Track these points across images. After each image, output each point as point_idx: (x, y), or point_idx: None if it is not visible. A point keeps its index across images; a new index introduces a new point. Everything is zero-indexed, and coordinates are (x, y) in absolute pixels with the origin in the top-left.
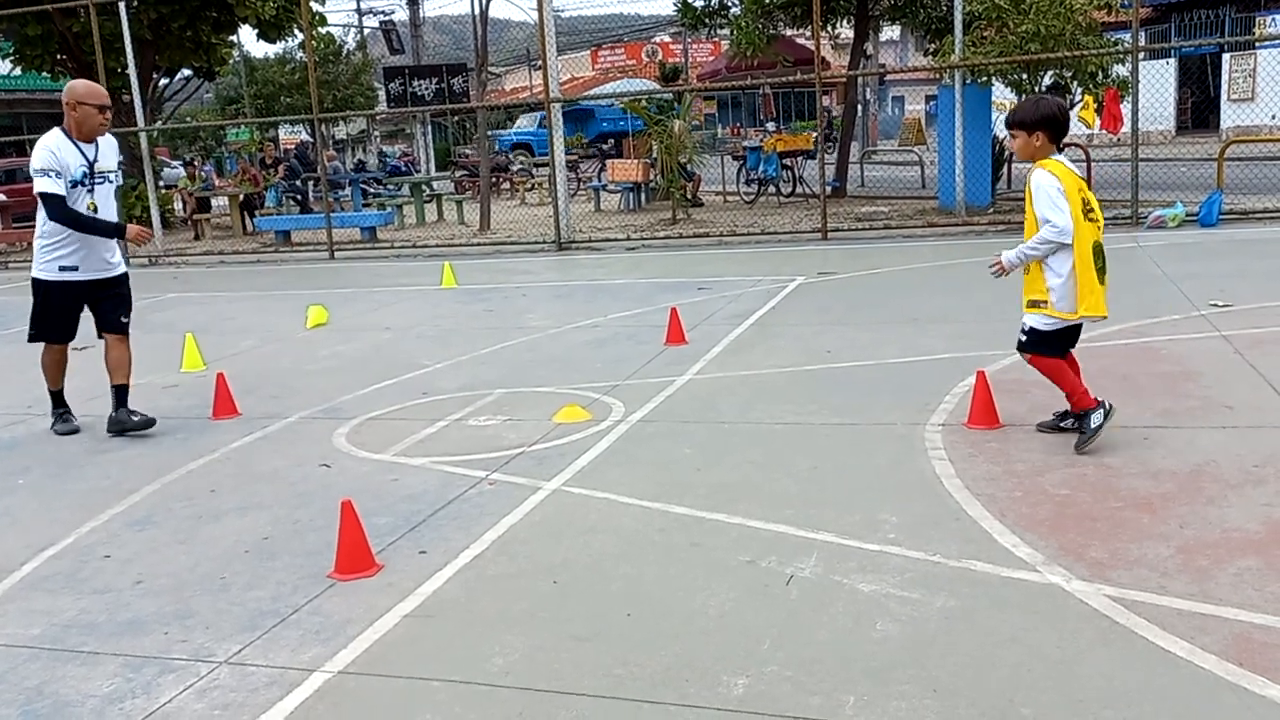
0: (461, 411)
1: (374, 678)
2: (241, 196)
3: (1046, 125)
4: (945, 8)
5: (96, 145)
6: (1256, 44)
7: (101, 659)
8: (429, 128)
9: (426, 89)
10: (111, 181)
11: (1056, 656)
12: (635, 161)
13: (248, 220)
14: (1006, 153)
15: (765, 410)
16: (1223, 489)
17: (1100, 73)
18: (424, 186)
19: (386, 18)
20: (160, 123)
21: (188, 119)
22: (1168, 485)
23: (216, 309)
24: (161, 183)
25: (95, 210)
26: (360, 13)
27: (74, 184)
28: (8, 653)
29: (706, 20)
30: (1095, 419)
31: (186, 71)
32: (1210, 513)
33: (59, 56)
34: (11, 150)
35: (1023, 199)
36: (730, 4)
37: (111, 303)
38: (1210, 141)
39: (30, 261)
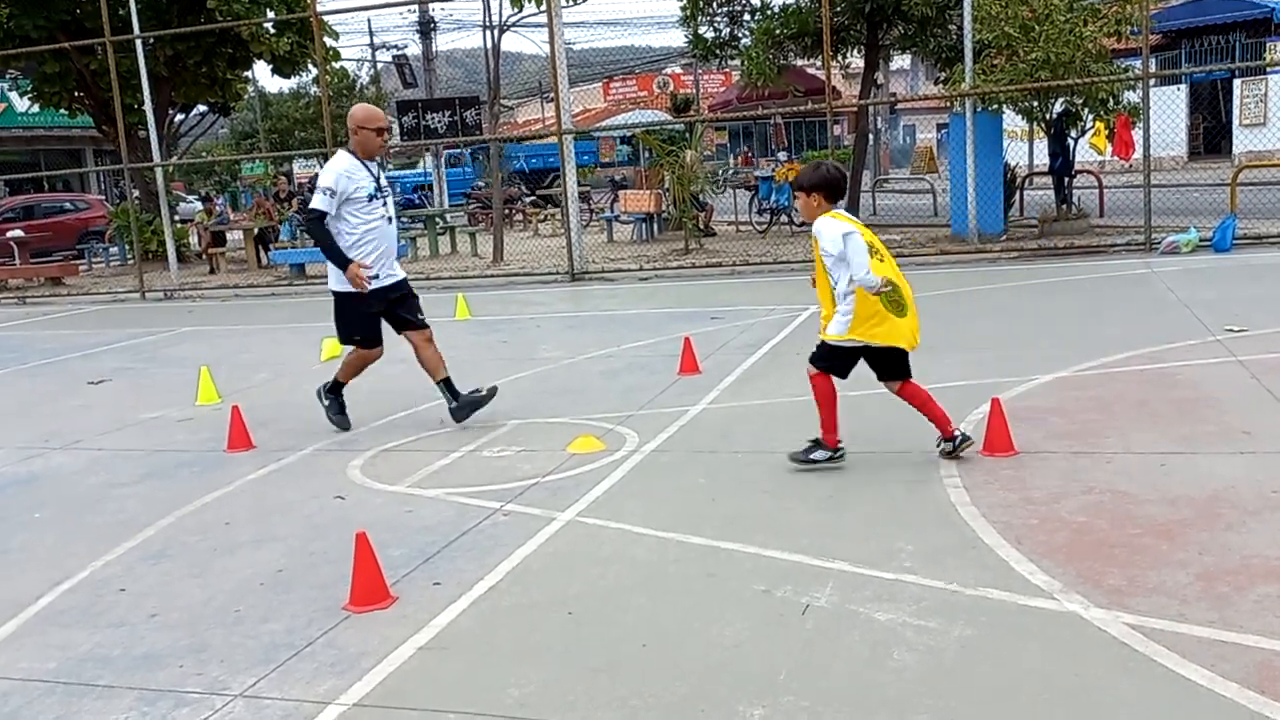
0: (476, 443)
1: (389, 710)
2: (256, 230)
3: (822, 187)
4: (955, 36)
5: (378, 162)
6: (1268, 69)
7: (117, 693)
8: (442, 160)
9: (440, 122)
10: (393, 194)
11: (1075, 685)
12: (648, 192)
13: (262, 254)
14: (1019, 180)
15: (780, 439)
16: (1242, 515)
17: (1111, 99)
18: (437, 219)
19: (399, 52)
20: (176, 158)
21: (203, 154)
22: (1186, 512)
23: (231, 342)
24: (177, 217)
25: (390, 221)
26: (374, 47)
27: (370, 197)
28: (24, 687)
29: (717, 51)
30: (820, 455)
31: (202, 107)
32: (1230, 539)
33: (76, 93)
34: (30, 187)
35: (1035, 226)
36: (741, 35)
37: (404, 305)
38: (1223, 167)
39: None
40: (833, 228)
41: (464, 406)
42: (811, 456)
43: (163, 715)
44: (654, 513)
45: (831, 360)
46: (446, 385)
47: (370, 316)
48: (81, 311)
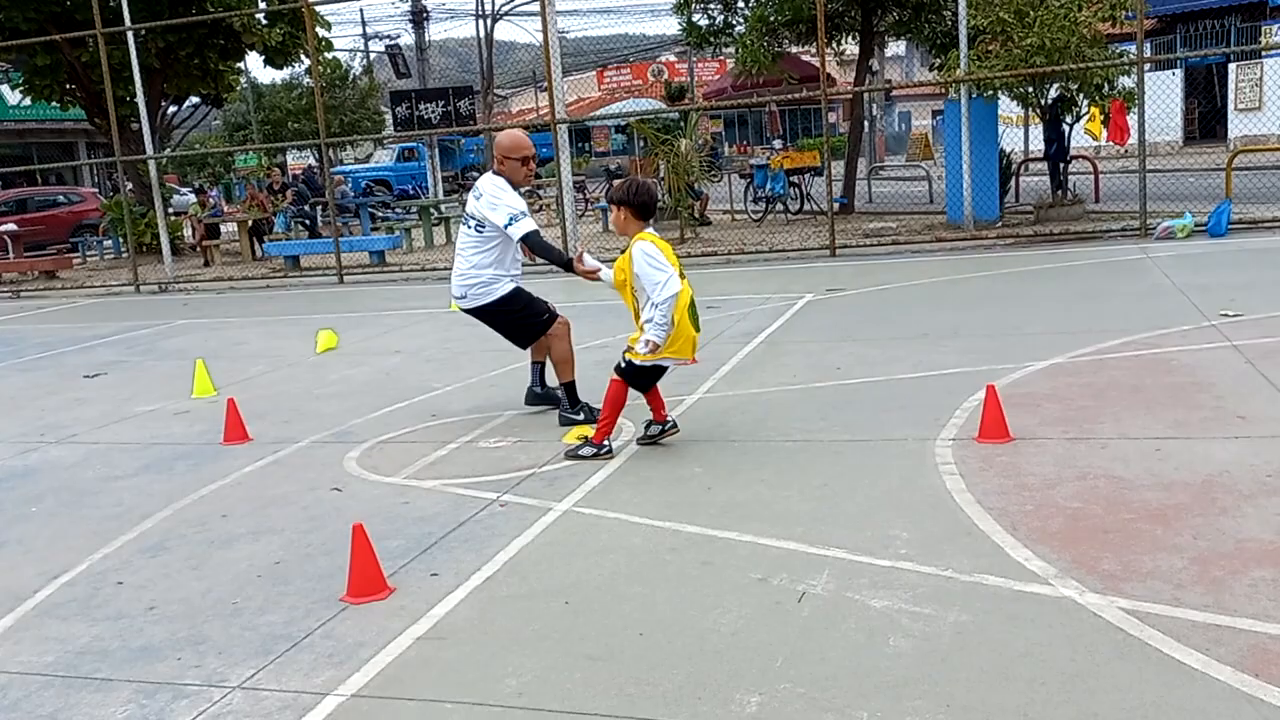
0: (472, 434)
1: (388, 700)
2: (250, 222)
3: (630, 204)
4: (950, 22)
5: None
6: (1263, 53)
7: (115, 685)
8: (436, 151)
9: (433, 112)
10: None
11: (1070, 670)
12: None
13: (257, 246)
14: (1014, 166)
15: (775, 428)
16: (1236, 500)
17: (1106, 84)
18: (432, 210)
19: (392, 42)
20: (169, 150)
21: (196, 146)
22: (1180, 497)
23: (226, 335)
24: (171, 210)
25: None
26: (366, 38)
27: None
28: (22, 680)
29: (712, 39)
30: (587, 451)
31: (194, 99)
32: (1224, 524)
33: (68, 86)
34: (22, 180)
35: (1031, 212)
36: (735, 22)
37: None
38: (1218, 151)
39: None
40: (651, 251)
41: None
42: (580, 452)
43: (161, 707)
44: (650, 502)
45: (636, 377)
46: (569, 389)
47: (531, 297)
48: (76, 305)
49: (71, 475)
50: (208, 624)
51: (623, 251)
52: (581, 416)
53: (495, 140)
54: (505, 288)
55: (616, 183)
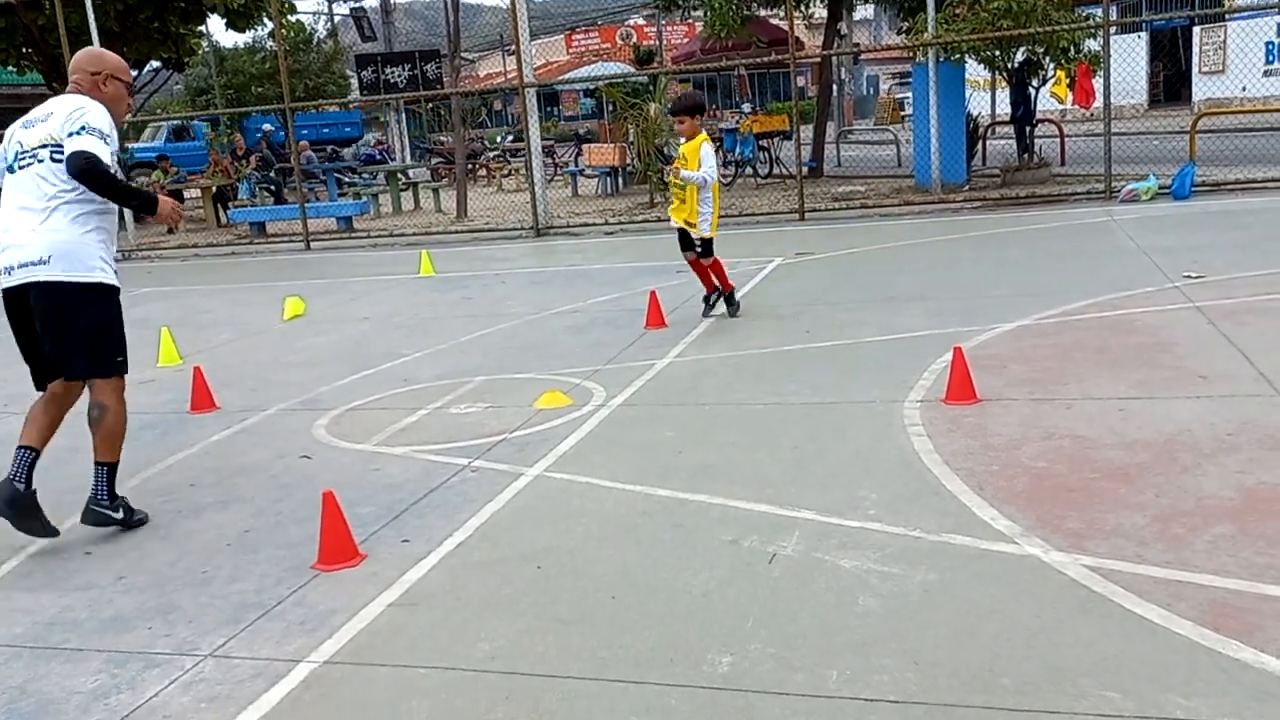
0: (442, 400)
1: (360, 667)
2: (214, 189)
3: (701, 111)
4: None
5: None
6: (1226, 16)
7: (85, 656)
8: (403, 115)
9: (399, 76)
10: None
11: (1035, 626)
12: (612, 146)
13: (221, 213)
14: (981, 130)
15: (745, 391)
16: (1197, 458)
17: (1072, 48)
18: (400, 175)
19: (357, 4)
20: (130, 115)
21: (158, 111)
22: (1143, 455)
23: (192, 303)
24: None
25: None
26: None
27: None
28: None
29: (680, 2)
30: (736, 299)
31: (155, 63)
32: (1185, 481)
33: (24, 50)
34: None
35: (997, 176)
36: None
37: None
38: (1182, 114)
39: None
40: (711, 150)
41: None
42: (736, 304)
43: (132, 677)
44: (621, 466)
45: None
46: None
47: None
48: None
49: None
50: (177, 593)
51: (686, 141)
52: (121, 515)
53: (84, 54)
54: (108, 273)
55: (680, 96)
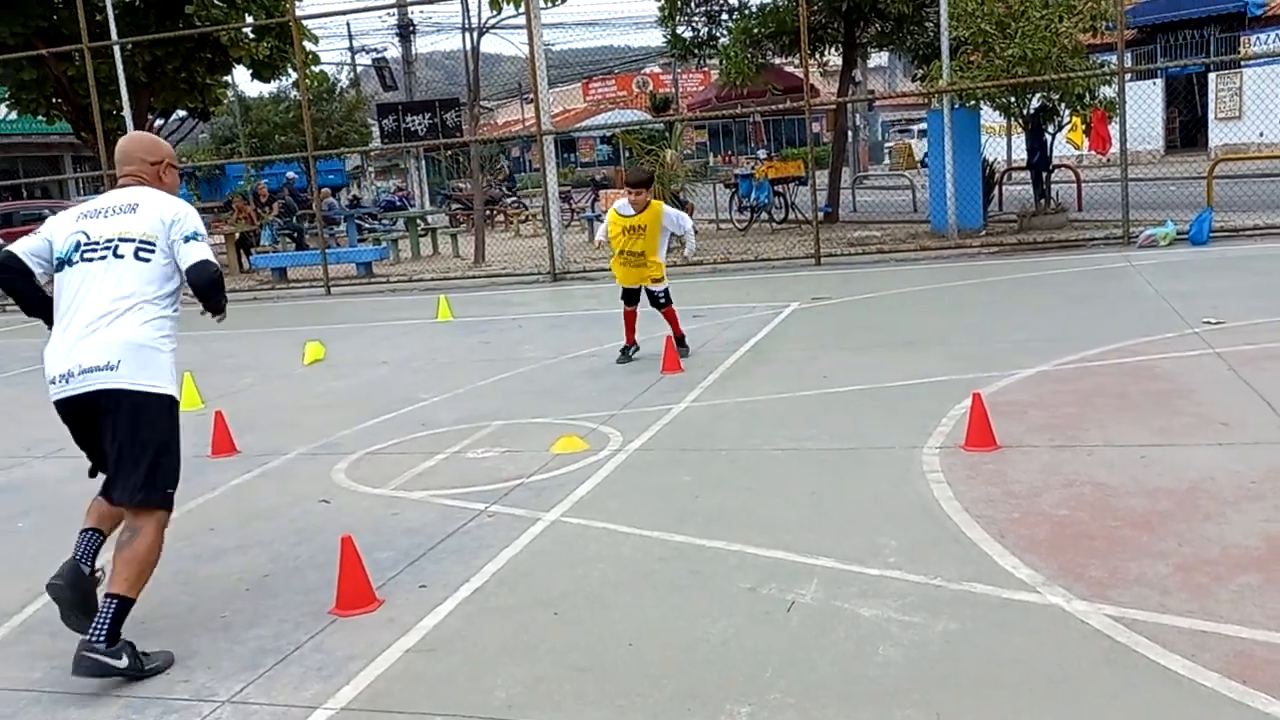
0: (459, 444)
1: (377, 714)
2: (237, 235)
3: (652, 183)
4: (932, 33)
5: None
6: (1242, 63)
7: (103, 701)
8: (423, 162)
9: (420, 124)
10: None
11: (1058, 677)
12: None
13: (244, 258)
14: (997, 175)
15: (763, 436)
16: (1220, 506)
17: (1087, 94)
18: (419, 220)
19: (379, 55)
20: None
21: (183, 159)
22: (1165, 503)
23: (214, 347)
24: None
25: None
26: (353, 51)
27: None
28: (10, 697)
29: (696, 50)
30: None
31: (181, 112)
32: (1209, 530)
33: (54, 100)
34: (8, 194)
35: (1014, 221)
36: (719, 34)
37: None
38: (1199, 160)
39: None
40: (672, 209)
41: None
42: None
43: None
44: (638, 511)
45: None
46: None
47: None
48: None
49: (58, 490)
50: (196, 638)
51: (639, 213)
52: (125, 663)
53: (135, 140)
54: (175, 386)
55: (631, 170)
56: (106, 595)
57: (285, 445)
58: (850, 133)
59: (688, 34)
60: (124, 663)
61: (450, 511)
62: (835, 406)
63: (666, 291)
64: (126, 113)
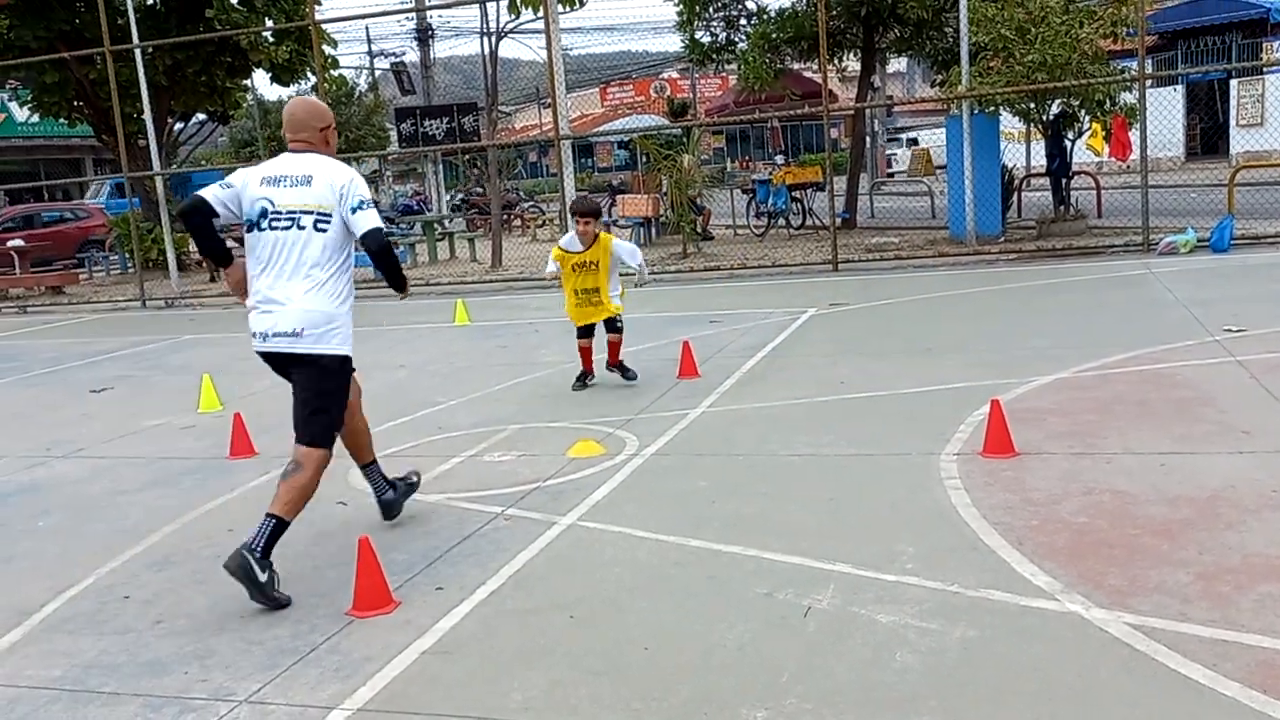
0: (476, 448)
1: (393, 715)
2: None
3: (597, 214)
4: (951, 39)
5: None
6: (1264, 69)
7: (122, 699)
8: (440, 167)
9: (437, 129)
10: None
11: (1077, 685)
12: (645, 196)
13: None
14: (1017, 181)
15: (780, 442)
16: (1242, 514)
17: (1108, 100)
18: (436, 225)
19: (397, 59)
20: (175, 166)
21: (203, 162)
22: (1186, 511)
23: (232, 350)
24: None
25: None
26: (372, 55)
27: None
28: (30, 694)
29: (714, 56)
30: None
31: (201, 116)
32: (1230, 538)
33: (76, 103)
34: (29, 196)
35: (1033, 228)
36: (737, 39)
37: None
38: (1220, 167)
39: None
40: (622, 240)
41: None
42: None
43: None
44: (654, 516)
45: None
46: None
47: None
48: (82, 320)
49: (78, 490)
50: (214, 638)
51: (588, 248)
52: (265, 578)
53: (305, 107)
54: (349, 345)
55: (581, 200)
56: (268, 514)
57: None
58: (868, 138)
59: (706, 39)
60: (264, 577)
61: (467, 514)
62: (853, 412)
63: (620, 319)
64: (147, 116)
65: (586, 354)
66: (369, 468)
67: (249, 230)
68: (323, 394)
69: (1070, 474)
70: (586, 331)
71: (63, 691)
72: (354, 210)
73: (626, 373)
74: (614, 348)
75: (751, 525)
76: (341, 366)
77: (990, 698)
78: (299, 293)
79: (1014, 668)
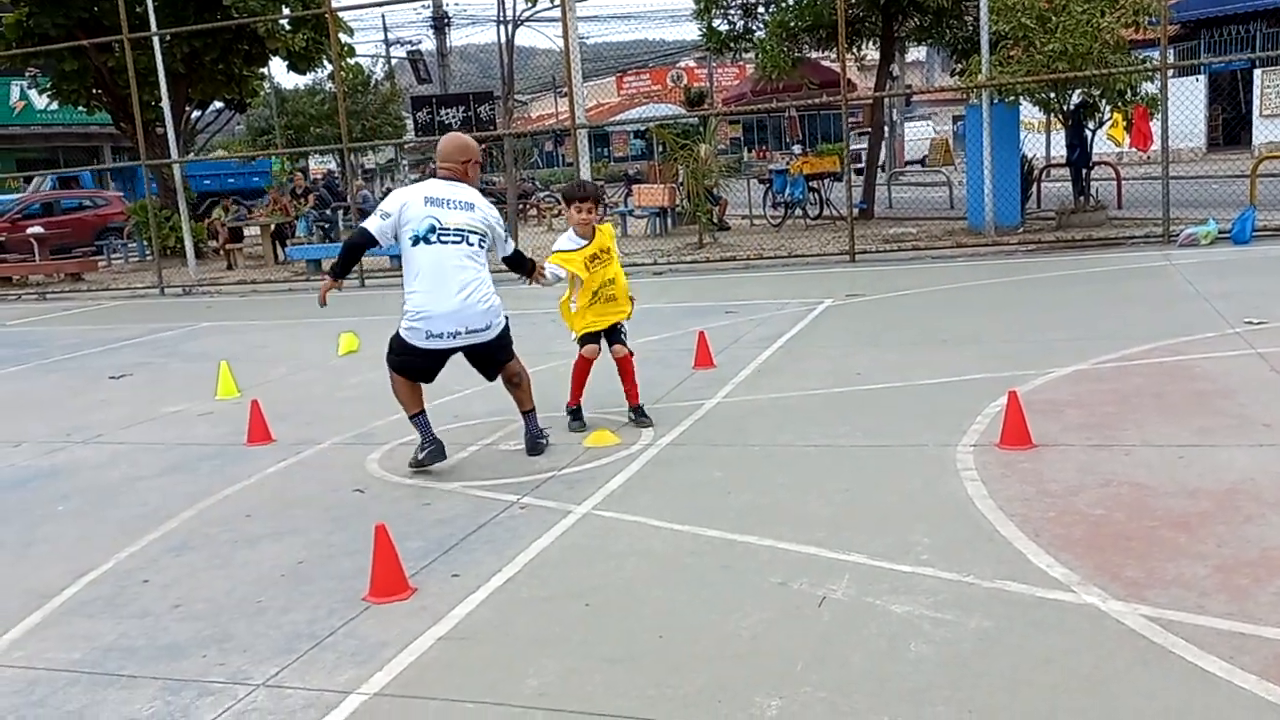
0: (492, 436)
1: (410, 700)
2: (273, 226)
3: (600, 199)
4: (971, 28)
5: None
6: None
7: (141, 682)
8: None
9: (453, 117)
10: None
11: (1093, 677)
12: (661, 186)
13: (279, 249)
14: (1036, 172)
15: (795, 433)
16: (1261, 507)
17: (1129, 90)
18: None
19: (414, 48)
20: (193, 154)
21: (220, 150)
22: (1204, 504)
23: (250, 337)
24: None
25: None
26: (388, 43)
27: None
28: (49, 676)
29: (731, 44)
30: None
31: (218, 104)
32: (1249, 531)
33: (94, 91)
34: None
35: (1052, 218)
36: (755, 28)
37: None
38: (1242, 158)
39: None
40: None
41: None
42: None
43: (186, 705)
44: (670, 506)
45: None
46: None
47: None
48: (101, 307)
49: (98, 475)
50: (232, 622)
51: (590, 240)
52: (546, 439)
53: (459, 146)
54: (501, 309)
55: (576, 184)
56: (525, 412)
57: (320, 435)
58: (887, 128)
59: (723, 27)
60: (546, 438)
61: (483, 503)
62: (869, 403)
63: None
64: (165, 104)
65: (586, 370)
66: (529, 414)
67: (414, 245)
68: (508, 343)
69: (1088, 466)
70: (598, 337)
71: (82, 674)
72: (505, 237)
73: (643, 417)
74: (628, 375)
75: (766, 515)
76: (507, 327)
77: (1005, 688)
78: (478, 298)
79: (1029, 659)
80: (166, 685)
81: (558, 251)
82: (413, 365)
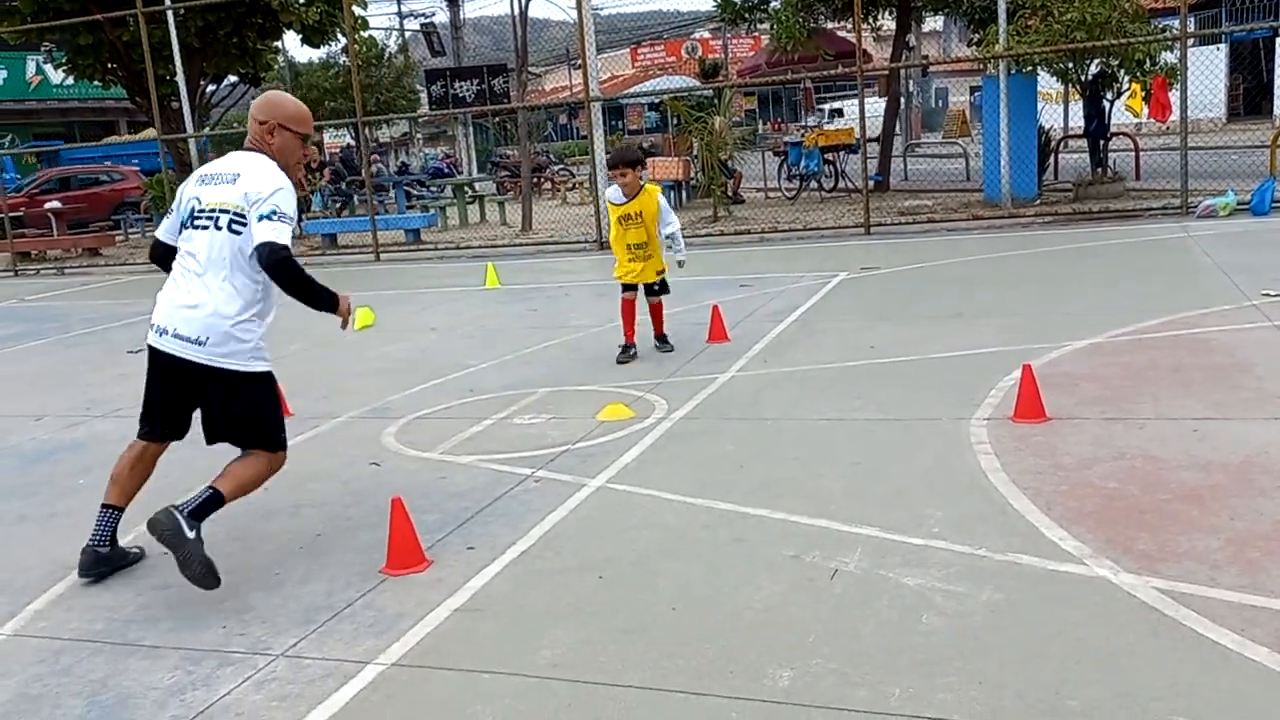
0: (507, 410)
1: (426, 670)
2: None
3: (642, 164)
4: None
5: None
6: None
7: (162, 652)
8: (470, 129)
9: (468, 90)
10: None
11: (1105, 649)
12: (676, 159)
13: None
14: (1053, 143)
15: (809, 407)
16: (1275, 481)
17: (1148, 60)
18: (466, 188)
19: (427, 20)
20: (208, 129)
21: (235, 125)
22: (1218, 477)
23: None
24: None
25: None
26: (401, 16)
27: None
28: (74, 646)
29: (746, 15)
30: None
31: (233, 78)
32: (1262, 505)
33: (109, 65)
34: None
35: (1069, 190)
36: None
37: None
38: (1263, 128)
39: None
40: (664, 199)
41: None
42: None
43: (207, 674)
44: (683, 479)
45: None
46: None
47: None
48: (119, 282)
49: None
50: (251, 594)
51: (632, 198)
52: (192, 538)
53: (258, 104)
54: (262, 360)
55: (620, 149)
56: (211, 486)
57: (336, 409)
58: (903, 99)
59: None
60: (191, 536)
61: (498, 476)
62: (882, 377)
63: (665, 281)
64: (180, 78)
65: (630, 312)
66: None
67: (180, 230)
68: (249, 407)
69: (1102, 439)
70: (633, 286)
71: (105, 644)
72: (260, 219)
73: (665, 344)
74: (657, 315)
75: (780, 489)
76: (264, 380)
77: (1016, 661)
78: (203, 295)
79: (1041, 631)
80: (188, 655)
81: (609, 200)
82: (149, 394)
